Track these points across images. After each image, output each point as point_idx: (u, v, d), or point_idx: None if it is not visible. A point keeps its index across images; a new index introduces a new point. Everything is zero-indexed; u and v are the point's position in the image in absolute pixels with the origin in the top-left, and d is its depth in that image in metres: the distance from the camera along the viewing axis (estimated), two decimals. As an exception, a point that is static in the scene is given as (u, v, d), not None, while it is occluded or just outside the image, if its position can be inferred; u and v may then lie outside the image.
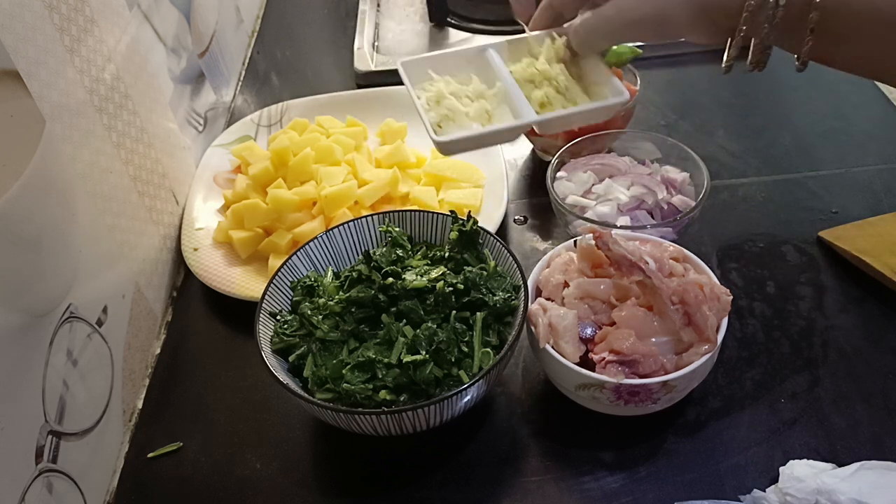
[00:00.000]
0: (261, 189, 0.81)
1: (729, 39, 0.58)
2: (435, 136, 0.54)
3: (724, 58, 0.60)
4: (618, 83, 0.56)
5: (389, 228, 0.66)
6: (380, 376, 0.56)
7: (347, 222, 0.67)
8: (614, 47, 0.82)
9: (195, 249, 0.77)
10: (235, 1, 1.10)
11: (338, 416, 0.53)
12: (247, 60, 1.13)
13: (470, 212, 0.66)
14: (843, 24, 0.54)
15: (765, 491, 0.53)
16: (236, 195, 0.81)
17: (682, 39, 0.58)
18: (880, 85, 0.93)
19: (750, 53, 0.59)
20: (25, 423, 0.51)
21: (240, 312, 0.73)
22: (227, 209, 0.80)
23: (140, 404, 0.67)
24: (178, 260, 0.80)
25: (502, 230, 0.78)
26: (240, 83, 1.08)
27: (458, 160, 0.82)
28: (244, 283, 0.74)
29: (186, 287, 0.78)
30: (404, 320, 0.58)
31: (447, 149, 0.55)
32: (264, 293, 0.61)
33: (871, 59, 0.58)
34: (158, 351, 0.72)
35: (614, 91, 0.56)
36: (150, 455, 0.63)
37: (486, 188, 0.81)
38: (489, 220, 0.75)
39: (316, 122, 0.90)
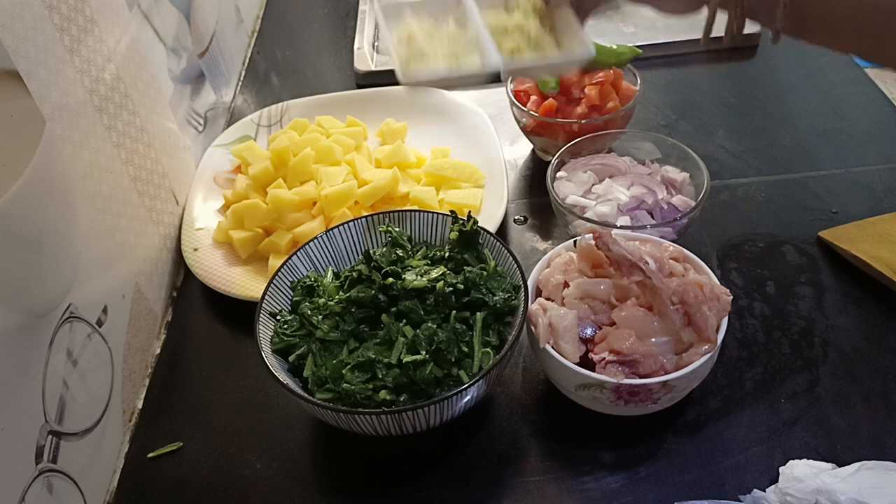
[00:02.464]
0: (261, 189, 0.81)
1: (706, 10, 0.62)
2: (400, 71, 0.56)
3: (703, 31, 0.65)
4: (587, 39, 0.58)
5: (389, 228, 0.66)
6: (380, 376, 0.56)
7: (347, 222, 0.67)
8: (614, 47, 0.82)
9: (195, 250, 0.77)
10: (235, 1, 1.10)
11: (338, 416, 0.53)
12: (247, 60, 1.13)
13: (470, 212, 0.66)
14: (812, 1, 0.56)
15: (765, 491, 0.53)
16: (236, 195, 0.81)
17: (655, 7, 0.59)
18: (880, 85, 0.93)
19: (725, 25, 0.62)
20: (25, 423, 0.51)
21: (240, 312, 0.73)
22: (227, 209, 0.80)
23: (140, 404, 0.67)
24: (178, 260, 0.80)
25: (502, 230, 0.78)
26: (240, 83, 1.08)
27: (458, 161, 0.82)
28: (244, 283, 0.74)
29: (186, 287, 0.78)
30: (404, 320, 0.58)
31: (409, 79, 0.57)
32: (264, 293, 0.61)
33: (842, 35, 0.60)
34: (158, 351, 0.72)
35: (581, 46, 0.57)
36: (150, 455, 0.63)
37: (486, 188, 0.81)
38: (489, 220, 0.75)
39: (316, 122, 0.90)
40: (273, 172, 0.81)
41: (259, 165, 0.81)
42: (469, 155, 0.84)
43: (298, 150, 0.81)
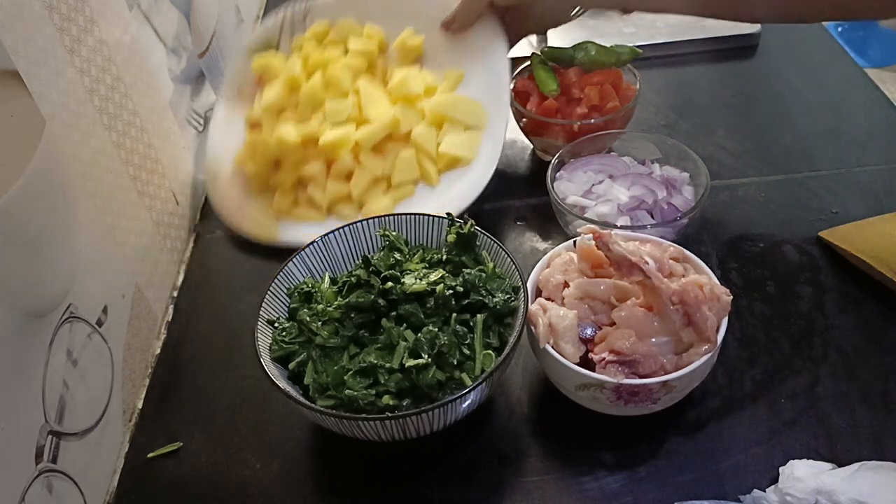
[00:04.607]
0: (275, 116, 0.83)
1: None
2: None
3: None
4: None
5: (386, 232, 0.66)
6: (382, 381, 0.56)
7: (343, 227, 0.67)
8: (614, 47, 0.82)
9: (215, 178, 0.80)
10: (235, 1, 1.10)
11: (341, 423, 0.53)
12: (247, 60, 1.13)
13: (467, 214, 0.66)
14: None
15: (765, 491, 0.53)
16: (254, 118, 0.84)
17: None
18: (880, 85, 0.93)
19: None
20: (25, 423, 0.51)
21: (240, 313, 0.74)
22: (250, 126, 0.84)
23: (140, 404, 0.67)
24: (178, 260, 0.80)
25: (502, 230, 0.78)
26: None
27: (464, 99, 0.82)
28: (256, 221, 0.78)
29: (186, 287, 0.78)
30: (404, 324, 0.58)
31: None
32: (261, 301, 0.61)
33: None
34: (158, 351, 0.72)
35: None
36: (150, 455, 0.63)
37: (486, 132, 0.81)
38: (480, 176, 0.77)
39: (337, 27, 0.89)
40: (286, 99, 0.83)
41: (272, 94, 0.83)
42: (480, 81, 0.83)
43: (313, 70, 0.83)
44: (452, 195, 0.78)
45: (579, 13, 0.84)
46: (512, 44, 0.85)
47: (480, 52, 0.85)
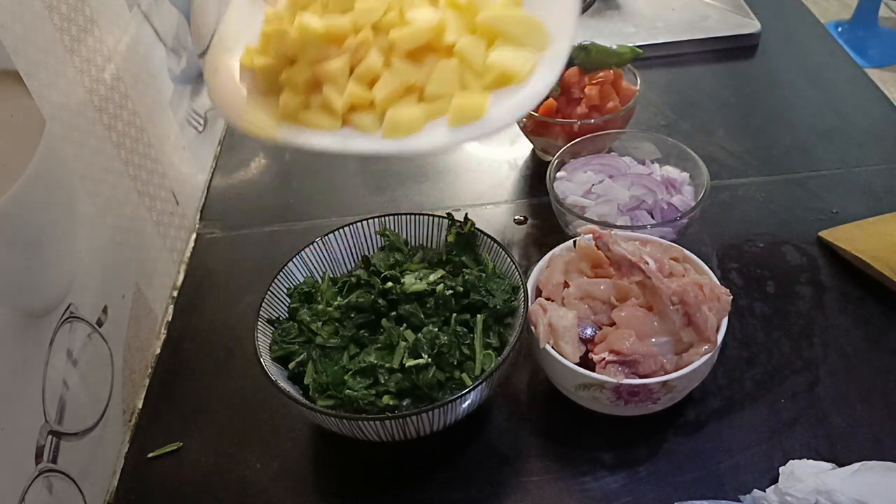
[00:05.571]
0: (300, 9, 0.68)
1: None
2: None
3: None
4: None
5: (386, 232, 0.66)
6: (382, 381, 0.56)
7: (343, 227, 0.67)
8: (615, 47, 0.82)
9: (216, 69, 0.67)
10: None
11: (341, 422, 0.53)
12: (247, 60, 1.13)
13: (467, 214, 0.65)
14: None
15: (765, 491, 0.53)
16: (274, 16, 0.69)
17: None
18: (880, 85, 0.93)
19: None
20: (25, 423, 0.51)
21: (240, 313, 0.74)
22: (268, 23, 0.68)
23: (140, 404, 0.67)
24: (178, 260, 0.80)
25: (502, 230, 0.78)
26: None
27: (524, 15, 0.67)
28: (256, 118, 0.65)
29: (186, 287, 0.78)
30: (404, 324, 0.58)
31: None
32: (261, 301, 0.61)
33: None
34: (158, 351, 0.72)
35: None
36: (150, 455, 0.63)
37: (543, 56, 0.65)
38: (533, 94, 0.62)
39: None
40: None
41: None
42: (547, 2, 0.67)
43: None
44: (494, 112, 0.63)
45: None
46: None
47: None
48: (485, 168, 0.89)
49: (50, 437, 0.53)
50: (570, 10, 0.67)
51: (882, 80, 2.40)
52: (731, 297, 0.57)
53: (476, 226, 0.64)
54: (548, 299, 0.60)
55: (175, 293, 0.78)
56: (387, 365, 0.56)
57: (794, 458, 0.54)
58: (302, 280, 0.64)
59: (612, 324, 0.57)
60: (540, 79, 0.63)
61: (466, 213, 0.65)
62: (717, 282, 0.58)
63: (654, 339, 0.55)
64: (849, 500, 0.49)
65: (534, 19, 0.66)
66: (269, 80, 0.67)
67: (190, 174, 0.86)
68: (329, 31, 0.64)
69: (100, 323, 0.62)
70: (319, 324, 0.59)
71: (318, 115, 0.66)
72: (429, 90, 0.65)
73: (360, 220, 0.67)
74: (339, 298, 0.61)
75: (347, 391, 0.55)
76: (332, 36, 0.65)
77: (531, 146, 0.89)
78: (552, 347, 0.57)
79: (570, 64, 0.83)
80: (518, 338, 0.56)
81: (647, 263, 0.56)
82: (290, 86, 0.64)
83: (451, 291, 0.59)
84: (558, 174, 0.76)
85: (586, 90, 0.80)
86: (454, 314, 0.58)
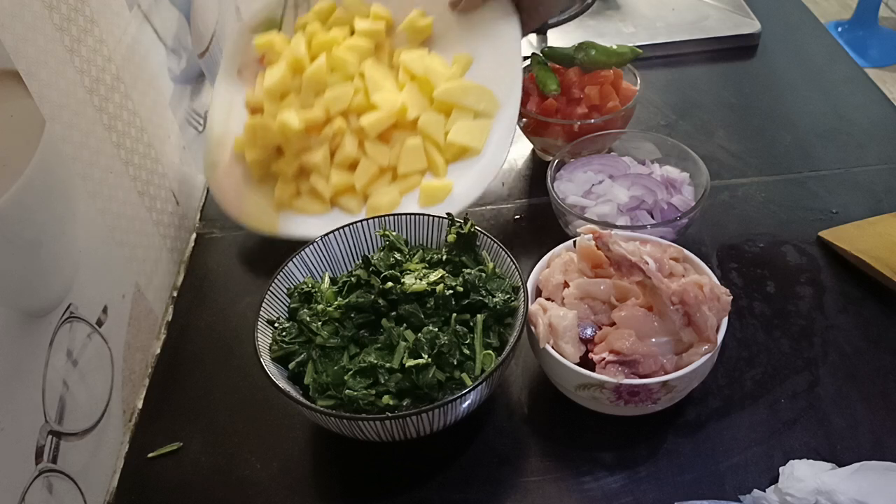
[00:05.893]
0: (277, 100, 0.79)
1: None
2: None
3: None
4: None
5: (386, 232, 0.66)
6: (382, 381, 0.56)
7: (343, 227, 0.67)
8: (615, 47, 0.82)
9: (214, 165, 0.76)
10: (235, 1, 1.10)
11: (341, 423, 0.53)
12: (247, 60, 1.13)
13: (467, 214, 0.65)
14: None
15: (765, 491, 0.53)
16: (255, 101, 0.80)
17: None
18: (880, 85, 0.93)
19: None
20: (25, 423, 0.51)
21: (240, 313, 0.74)
22: (250, 109, 0.80)
23: (140, 404, 0.67)
24: (178, 260, 0.80)
25: (502, 230, 0.78)
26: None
27: (473, 85, 0.78)
28: (256, 213, 0.75)
29: (186, 287, 0.78)
30: (404, 324, 0.58)
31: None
32: (261, 301, 0.61)
33: None
34: (158, 351, 0.72)
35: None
36: (150, 455, 0.63)
37: (496, 119, 0.77)
38: (490, 165, 0.74)
39: (343, 6, 0.85)
40: (289, 81, 0.79)
41: (274, 75, 0.79)
42: (491, 65, 0.79)
43: (317, 53, 0.79)
44: (459, 188, 0.75)
45: None
46: (527, 29, 0.81)
47: (491, 35, 0.80)
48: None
49: (50, 437, 0.53)
50: (515, 74, 0.79)
51: (882, 80, 2.40)
52: (731, 297, 0.57)
53: (476, 226, 0.64)
54: (548, 299, 0.60)
55: (175, 293, 0.78)
56: (387, 365, 0.56)
57: (794, 458, 0.54)
58: (302, 280, 0.64)
59: (612, 324, 0.57)
60: (497, 151, 0.75)
61: (466, 213, 0.65)
62: (717, 282, 0.58)
63: (654, 339, 0.55)
64: (849, 500, 0.49)
65: (482, 88, 0.79)
66: (260, 170, 0.78)
67: (190, 174, 0.86)
68: (307, 125, 0.75)
69: (100, 323, 0.62)
70: (319, 324, 0.59)
71: (310, 202, 0.78)
72: (401, 170, 0.77)
73: (360, 220, 0.67)
74: (339, 298, 0.61)
75: (347, 391, 0.55)
76: (310, 127, 0.76)
77: (531, 146, 0.89)
78: (552, 347, 0.57)
79: (570, 64, 0.83)
80: (518, 338, 0.56)
81: (647, 263, 0.56)
82: (282, 177, 0.74)
83: (451, 291, 0.59)
84: (558, 174, 0.76)
85: (586, 90, 0.80)
86: (454, 314, 0.58)
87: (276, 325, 0.61)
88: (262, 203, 0.76)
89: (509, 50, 0.79)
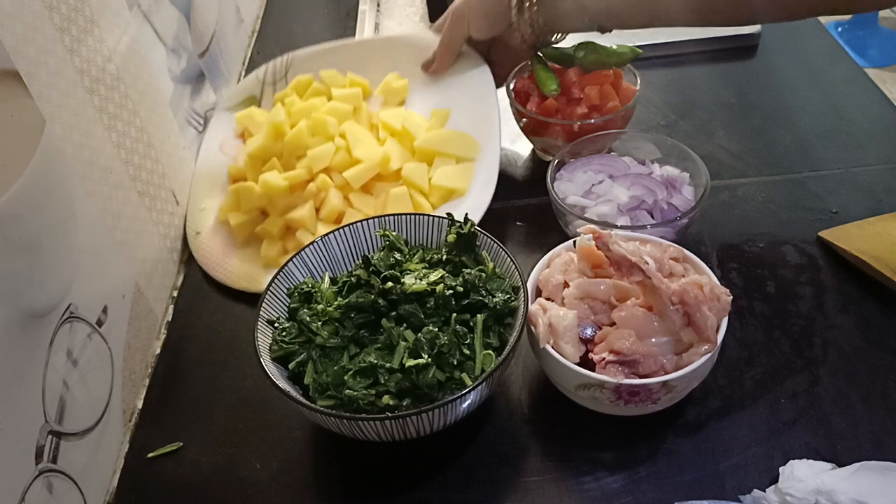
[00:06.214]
0: (259, 165, 0.81)
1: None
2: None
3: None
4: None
5: (386, 232, 0.66)
6: (382, 381, 0.56)
7: (343, 227, 0.67)
8: (615, 47, 0.82)
9: (197, 233, 0.78)
10: (235, 1, 1.10)
11: (341, 422, 0.53)
12: (247, 60, 1.13)
13: (467, 214, 0.66)
14: None
15: (765, 491, 0.53)
16: (237, 171, 0.82)
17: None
18: (880, 85, 0.93)
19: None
20: (25, 423, 0.51)
21: (240, 313, 0.74)
22: (231, 181, 0.81)
23: (140, 404, 0.67)
24: (178, 260, 0.80)
25: (502, 230, 0.78)
26: (240, 83, 1.08)
27: (453, 133, 0.81)
28: (242, 272, 0.75)
29: (186, 287, 0.78)
30: (405, 324, 0.58)
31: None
32: (260, 301, 0.61)
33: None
34: (158, 351, 0.72)
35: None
36: (150, 455, 0.63)
37: (478, 161, 0.80)
38: (477, 206, 0.75)
39: (320, 78, 0.89)
40: (271, 146, 0.80)
41: (256, 142, 0.81)
42: (469, 113, 0.83)
43: (297, 120, 0.81)
44: None
45: (560, 38, 0.84)
46: (501, 79, 0.85)
47: (466, 85, 0.85)
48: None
49: (50, 436, 0.53)
50: (492, 117, 0.82)
51: (882, 80, 2.40)
52: (731, 297, 0.57)
53: (476, 226, 0.64)
54: (548, 299, 0.60)
55: (175, 293, 0.78)
56: (387, 365, 0.56)
57: (794, 458, 0.54)
58: (302, 280, 0.64)
59: (612, 324, 0.57)
60: (484, 190, 0.77)
61: (466, 213, 0.65)
62: (717, 282, 0.58)
63: (654, 339, 0.55)
64: (849, 500, 0.49)
65: (462, 134, 0.81)
66: (245, 233, 0.78)
67: (190, 174, 0.86)
68: (291, 182, 0.76)
69: (100, 323, 0.62)
70: (319, 324, 0.59)
71: None
72: None
73: (360, 221, 0.67)
74: (339, 298, 0.61)
75: (347, 391, 0.55)
76: (294, 185, 0.77)
77: (531, 146, 0.89)
78: (552, 347, 0.57)
79: (570, 64, 0.83)
80: (518, 338, 0.56)
81: (647, 263, 0.56)
82: (268, 237, 0.74)
83: (451, 291, 0.59)
84: (558, 174, 0.76)
85: (586, 90, 0.80)
86: (454, 314, 0.58)
87: (276, 325, 0.61)
88: (248, 264, 0.76)
89: (484, 94, 0.83)
